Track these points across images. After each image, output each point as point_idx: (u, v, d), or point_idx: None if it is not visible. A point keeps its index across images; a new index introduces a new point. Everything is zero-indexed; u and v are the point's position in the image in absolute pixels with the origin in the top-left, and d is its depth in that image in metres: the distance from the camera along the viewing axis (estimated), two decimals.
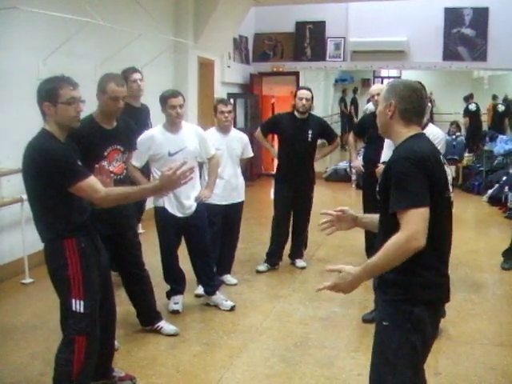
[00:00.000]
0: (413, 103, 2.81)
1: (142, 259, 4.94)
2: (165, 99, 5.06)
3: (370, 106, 12.74)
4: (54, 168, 3.28)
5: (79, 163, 3.40)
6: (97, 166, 3.54)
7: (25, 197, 5.79)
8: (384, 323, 2.75)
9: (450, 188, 2.79)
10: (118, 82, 4.32)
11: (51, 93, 3.33)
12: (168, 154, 5.03)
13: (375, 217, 2.98)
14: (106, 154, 4.29)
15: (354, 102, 20.89)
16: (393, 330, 2.71)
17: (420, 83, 4.93)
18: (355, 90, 21.27)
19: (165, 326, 4.97)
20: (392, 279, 2.72)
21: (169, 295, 5.49)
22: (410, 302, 2.68)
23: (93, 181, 3.37)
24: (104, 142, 4.29)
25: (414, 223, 2.52)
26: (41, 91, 3.38)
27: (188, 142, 5.13)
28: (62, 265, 3.42)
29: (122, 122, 4.55)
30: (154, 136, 5.09)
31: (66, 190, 3.33)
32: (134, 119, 5.15)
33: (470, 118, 15.69)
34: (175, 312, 5.34)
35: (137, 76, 6.01)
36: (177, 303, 5.40)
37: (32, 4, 6.00)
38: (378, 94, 6.41)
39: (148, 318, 4.96)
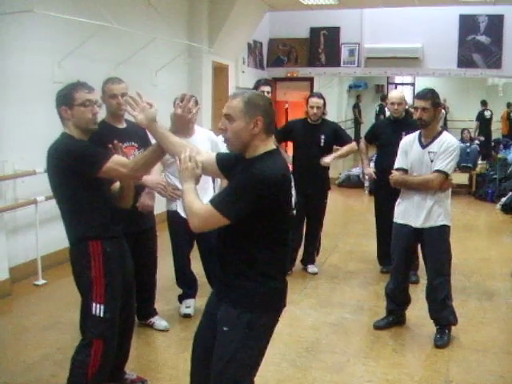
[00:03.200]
0: (273, 115, 2.82)
1: (156, 265, 5.04)
2: (176, 103, 5.08)
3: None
4: (78, 159, 3.32)
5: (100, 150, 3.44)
6: (110, 145, 3.53)
7: (39, 198, 5.90)
8: (224, 328, 2.79)
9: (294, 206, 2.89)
10: (114, 80, 4.53)
11: (67, 97, 3.41)
12: None
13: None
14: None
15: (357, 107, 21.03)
16: (232, 336, 2.76)
17: (432, 90, 4.95)
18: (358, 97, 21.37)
19: (156, 321, 5.13)
20: (233, 285, 2.80)
21: (181, 299, 5.50)
22: (249, 307, 2.75)
23: (117, 157, 3.38)
24: (118, 139, 4.41)
25: (206, 219, 2.70)
26: (58, 97, 3.45)
27: (200, 147, 5.12)
28: (86, 267, 3.43)
29: (131, 123, 4.66)
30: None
31: (93, 184, 3.37)
32: None
33: (485, 124, 15.67)
34: (187, 316, 5.34)
35: (265, 88, 6.64)
36: (189, 307, 5.41)
37: (48, 7, 6.05)
38: (400, 104, 6.43)
39: (145, 313, 5.11)
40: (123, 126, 4.60)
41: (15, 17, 5.85)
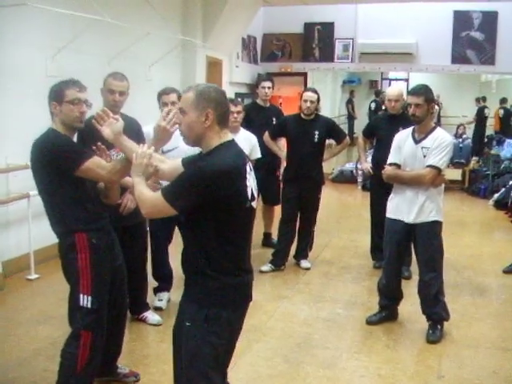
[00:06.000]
0: (226, 106, 2.84)
1: (145, 259, 5.04)
2: (158, 96, 5.16)
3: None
4: (59, 154, 3.37)
5: (82, 149, 3.49)
6: (94, 147, 3.55)
7: (32, 193, 5.87)
8: (187, 324, 2.84)
9: (255, 196, 2.88)
10: (116, 76, 4.56)
11: (58, 93, 3.47)
12: (161, 151, 5.01)
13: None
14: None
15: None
16: (193, 331, 2.80)
17: (426, 86, 4.96)
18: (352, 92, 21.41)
19: (149, 316, 5.13)
20: (192, 280, 2.85)
21: (155, 292, 5.53)
22: (206, 303, 2.78)
23: (97, 159, 3.43)
24: None
25: (155, 206, 2.77)
26: (50, 92, 3.51)
27: (181, 141, 5.09)
28: (72, 259, 3.47)
29: (126, 119, 4.69)
30: (150, 133, 5.07)
31: (75, 179, 3.39)
32: (261, 116, 7.27)
33: (483, 121, 15.71)
34: (158, 309, 5.31)
35: (266, 84, 7.41)
36: (161, 300, 5.42)
37: (42, 0, 6.01)
38: (397, 101, 6.43)
39: (137, 307, 5.10)
40: None
41: (8, 10, 5.81)
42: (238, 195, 2.74)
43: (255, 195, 2.87)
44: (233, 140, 2.87)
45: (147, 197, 2.80)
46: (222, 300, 2.79)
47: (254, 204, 2.87)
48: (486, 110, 16.34)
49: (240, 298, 2.90)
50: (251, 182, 2.83)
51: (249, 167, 2.86)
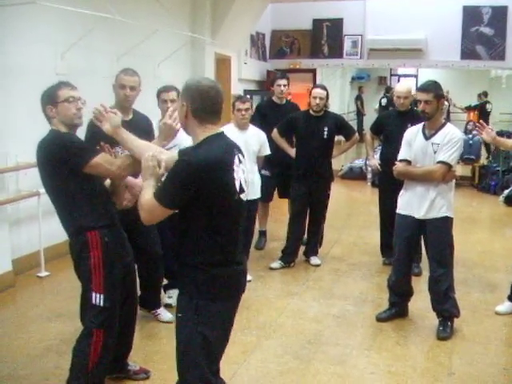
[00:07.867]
0: (203, 102, 2.84)
1: (161, 255, 5.03)
2: (158, 94, 5.17)
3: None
4: (67, 152, 3.38)
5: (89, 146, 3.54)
6: (98, 147, 3.56)
7: (42, 190, 5.87)
8: (179, 315, 2.91)
9: (245, 189, 2.90)
10: (127, 72, 4.62)
11: (51, 96, 3.51)
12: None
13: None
14: None
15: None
16: (185, 321, 2.86)
17: (435, 82, 4.92)
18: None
19: (162, 313, 5.14)
20: (183, 273, 2.89)
21: (165, 289, 5.52)
22: (196, 295, 2.83)
23: (106, 155, 3.47)
24: None
25: (151, 211, 2.81)
26: (42, 98, 3.55)
27: (182, 138, 5.06)
28: (85, 257, 3.48)
29: (138, 115, 4.82)
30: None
31: (84, 176, 3.40)
32: (276, 113, 7.23)
33: (485, 116, 15.57)
34: (168, 306, 5.30)
35: (281, 82, 7.44)
36: (170, 297, 5.41)
37: None
38: (406, 98, 6.39)
39: (150, 303, 5.12)
40: (128, 117, 4.64)
41: (17, 8, 5.83)
42: (224, 188, 2.78)
43: (244, 188, 2.90)
44: (222, 133, 2.91)
45: (144, 202, 2.83)
46: (212, 291, 2.83)
47: (242, 196, 2.90)
48: (488, 105, 16.24)
49: (230, 289, 2.93)
50: (240, 175, 2.85)
51: (238, 160, 2.87)
